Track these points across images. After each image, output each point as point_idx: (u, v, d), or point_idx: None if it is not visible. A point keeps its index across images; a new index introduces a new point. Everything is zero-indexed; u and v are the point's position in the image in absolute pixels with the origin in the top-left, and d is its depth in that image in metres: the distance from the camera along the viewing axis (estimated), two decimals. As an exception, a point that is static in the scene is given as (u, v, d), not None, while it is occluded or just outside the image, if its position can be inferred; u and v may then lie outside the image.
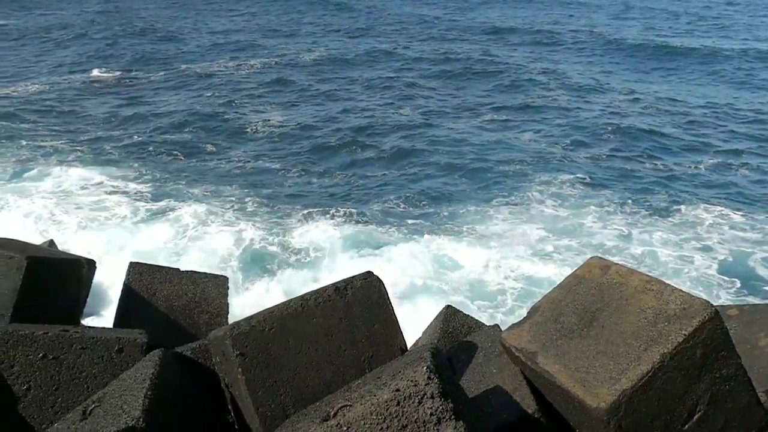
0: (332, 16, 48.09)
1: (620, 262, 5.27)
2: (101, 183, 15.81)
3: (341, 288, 5.18)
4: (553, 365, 4.43)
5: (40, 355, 5.26)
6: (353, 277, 5.33)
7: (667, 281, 4.76)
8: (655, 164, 17.75)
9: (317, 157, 18.13)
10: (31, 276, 6.16)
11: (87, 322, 7.54)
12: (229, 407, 5.23)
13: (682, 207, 14.85)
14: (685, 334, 4.14)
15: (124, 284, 7.45)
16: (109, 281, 8.40)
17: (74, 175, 16.38)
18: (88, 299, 7.71)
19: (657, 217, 14.34)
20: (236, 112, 22.52)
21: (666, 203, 15.10)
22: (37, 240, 9.16)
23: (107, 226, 12.56)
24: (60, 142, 19.11)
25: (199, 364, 5.55)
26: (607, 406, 4.01)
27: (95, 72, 28.18)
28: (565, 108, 23.49)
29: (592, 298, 4.76)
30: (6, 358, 5.17)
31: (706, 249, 12.83)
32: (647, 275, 4.82)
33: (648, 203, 15.02)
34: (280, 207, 13.70)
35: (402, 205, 14.77)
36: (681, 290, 4.53)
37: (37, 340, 5.29)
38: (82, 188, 15.34)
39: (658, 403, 4.11)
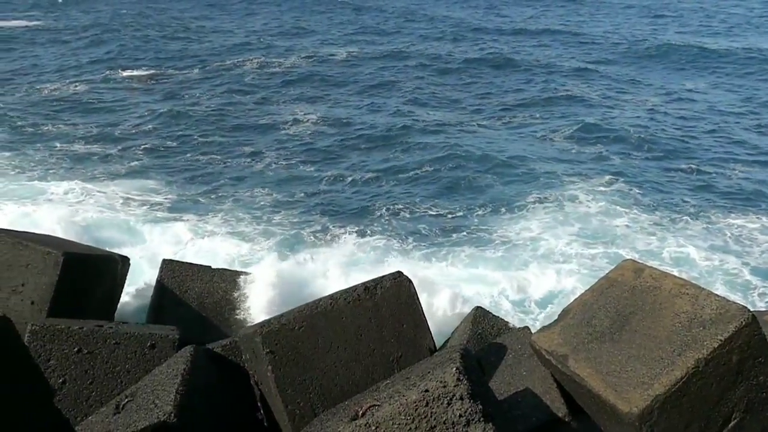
0: (361, 16, 48.22)
1: (653, 265, 5.19)
2: (134, 180, 16.04)
3: (371, 287, 5.18)
4: (584, 368, 4.38)
5: (76, 349, 5.38)
6: (383, 276, 5.33)
7: (701, 285, 4.68)
8: (690, 167, 17.41)
9: (349, 157, 18.16)
10: (68, 272, 6.27)
11: (120, 317, 7.66)
12: (259, 404, 5.27)
13: (716, 211, 14.54)
14: (720, 340, 4.06)
15: (157, 281, 7.56)
16: (143, 278, 8.52)
17: (108, 172, 16.66)
18: (122, 295, 7.85)
19: (690, 221, 14.05)
20: (268, 110, 22.71)
21: (699, 206, 14.80)
22: (71, 236, 9.33)
23: (141, 223, 12.72)
24: (94, 137, 19.47)
25: (230, 361, 5.61)
26: (639, 411, 3.95)
27: (128, 70, 28.67)
28: (598, 108, 23.21)
29: (624, 302, 4.70)
30: (43, 351, 5.29)
31: (741, 254, 12.54)
32: (682, 279, 4.74)
33: (681, 206, 14.75)
34: (310, 207, 13.77)
35: (433, 205, 14.71)
36: (717, 295, 4.44)
37: (73, 334, 5.41)
38: (115, 185, 15.59)
39: (692, 409, 4.03)
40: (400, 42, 37.19)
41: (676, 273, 5.90)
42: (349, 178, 16.06)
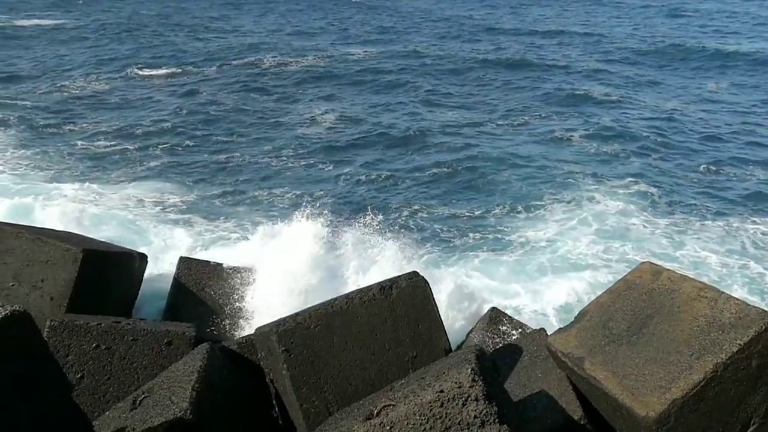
0: (378, 16, 48.23)
1: (670, 268, 5.14)
2: (152, 180, 16.13)
3: (386, 287, 5.19)
4: (601, 371, 4.35)
5: (94, 345, 5.44)
6: (399, 276, 5.33)
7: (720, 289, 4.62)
8: (709, 169, 17.21)
9: (365, 156, 18.16)
10: (87, 268, 6.34)
11: (137, 314, 7.72)
12: (274, 402, 5.29)
13: (735, 213, 14.36)
14: (740, 344, 4.01)
15: (174, 278, 7.62)
16: (160, 275, 8.58)
17: (126, 171, 16.79)
18: (139, 292, 7.91)
19: (708, 223, 13.88)
20: (286, 109, 22.78)
21: (718, 209, 14.62)
22: (91, 234, 9.41)
23: (161, 220, 12.80)
24: (113, 135, 19.65)
25: (245, 359, 5.64)
26: (656, 415, 3.92)
27: (148, 69, 28.90)
28: (616, 109, 23.04)
29: (642, 304, 4.66)
30: (62, 346, 5.35)
31: (760, 257, 12.39)
32: (700, 282, 4.69)
33: (699, 208, 14.58)
34: (326, 206, 13.78)
35: (450, 205, 14.67)
36: (736, 298, 4.39)
37: (91, 330, 5.47)
38: (133, 187, 15.69)
39: (710, 414, 3.99)
40: (416, 42, 37.16)
41: (693, 276, 5.84)
42: (366, 178, 16.07)
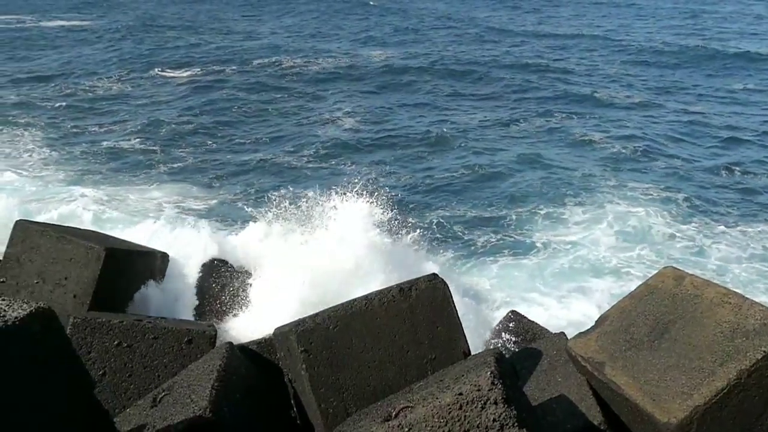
0: (398, 18, 48.25)
1: (693, 273, 5.08)
2: (175, 183, 16.25)
3: (405, 289, 5.18)
4: (622, 377, 4.30)
5: (116, 342, 5.49)
6: (418, 278, 5.32)
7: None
8: (732, 173, 16.98)
9: (386, 158, 18.16)
10: (109, 266, 6.41)
11: (158, 312, 7.79)
12: (292, 402, 5.31)
13: (759, 218, 14.16)
14: (765, 351, 3.95)
15: (198, 278, 7.68)
16: (182, 274, 8.64)
17: (147, 173, 16.93)
18: (161, 291, 7.98)
19: (732, 228, 13.70)
20: (307, 111, 22.87)
21: (741, 214, 14.42)
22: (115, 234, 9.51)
23: (184, 220, 12.89)
24: (138, 134, 19.87)
25: (264, 359, 5.67)
26: (678, 422, 3.87)
27: (169, 70, 29.21)
28: (638, 111, 22.83)
29: (664, 309, 4.60)
30: (84, 344, 5.41)
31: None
32: (724, 287, 4.63)
33: (722, 213, 14.39)
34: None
35: (469, 208, 14.63)
36: (761, 304, 4.33)
37: (113, 328, 5.53)
38: (156, 188, 15.82)
39: (733, 421, 3.93)
40: (437, 43, 37.15)
41: (717, 281, 5.76)
42: (386, 179, 16.08)
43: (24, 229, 6.53)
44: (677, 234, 13.33)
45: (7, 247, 6.52)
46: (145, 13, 50.56)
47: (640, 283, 5.21)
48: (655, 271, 5.24)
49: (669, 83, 27.67)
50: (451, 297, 5.31)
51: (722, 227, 13.68)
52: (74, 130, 20.81)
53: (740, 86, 27.06)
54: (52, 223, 7.91)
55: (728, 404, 3.91)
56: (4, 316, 3.27)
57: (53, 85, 26.83)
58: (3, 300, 3.47)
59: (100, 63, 31.27)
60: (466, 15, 50.03)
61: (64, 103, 23.78)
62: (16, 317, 3.30)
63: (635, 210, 14.29)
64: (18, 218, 6.98)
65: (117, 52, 33.90)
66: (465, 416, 3.42)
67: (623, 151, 18.52)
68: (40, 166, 17.17)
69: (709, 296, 4.47)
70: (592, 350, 4.64)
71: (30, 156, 17.95)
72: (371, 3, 57.57)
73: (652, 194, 15.31)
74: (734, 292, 4.52)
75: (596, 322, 4.99)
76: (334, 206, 9.01)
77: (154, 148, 18.91)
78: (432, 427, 3.43)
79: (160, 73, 29.05)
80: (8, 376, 3.25)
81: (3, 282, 6.40)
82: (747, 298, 4.40)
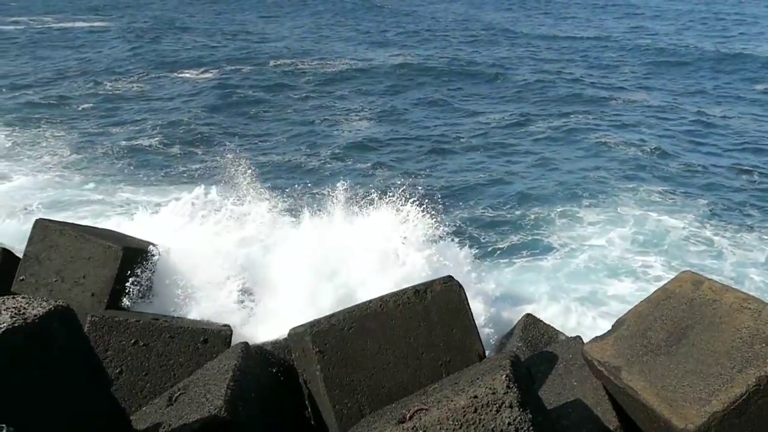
0: (413, 21, 48.24)
1: (711, 277, 5.02)
2: (198, 179, 16.24)
3: (421, 291, 5.18)
4: (638, 381, 4.27)
5: (132, 341, 5.55)
6: (433, 280, 5.32)
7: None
8: (751, 177, 16.78)
9: (402, 160, 18.16)
10: (127, 265, 6.47)
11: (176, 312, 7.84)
12: (306, 403, 5.32)
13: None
14: (784, 358, 3.90)
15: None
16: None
17: (173, 170, 17.04)
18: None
19: (750, 232, 13.53)
20: (323, 113, 22.93)
21: (761, 217, 14.25)
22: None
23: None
24: (158, 134, 20.02)
25: (279, 359, 5.69)
26: (696, 428, 3.83)
27: (188, 70, 29.45)
28: (656, 114, 22.64)
29: (682, 314, 4.56)
30: (101, 342, 5.47)
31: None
32: (743, 293, 4.57)
33: (741, 218, 14.21)
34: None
35: (485, 210, 14.58)
36: (781, 310, 4.27)
37: (130, 326, 5.58)
38: (179, 185, 15.88)
39: (752, 428, 3.88)
40: (452, 45, 37.10)
41: (734, 286, 5.69)
42: (402, 181, 16.06)
43: (43, 228, 6.61)
44: (694, 238, 13.19)
45: (27, 245, 6.61)
46: (163, 14, 51.00)
47: (657, 287, 5.16)
48: (673, 275, 5.19)
49: (688, 85, 27.42)
50: (466, 299, 5.30)
51: (740, 231, 13.52)
52: (94, 129, 21.02)
53: (761, 88, 26.74)
54: (70, 222, 7.98)
55: (747, 411, 3.86)
56: (24, 313, 3.32)
57: (75, 84, 27.14)
58: (23, 298, 3.52)
59: (120, 63, 31.57)
60: (481, 17, 49.92)
61: (85, 104, 24.02)
62: (35, 315, 3.34)
63: (652, 213, 14.16)
64: (38, 217, 7.06)
65: (136, 52, 34.19)
66: (480, 419, 3.40)
67: (640, 153, 18.36)
68: (61, 165, 17.35)
69: (728, 301, 4.42)
70: (609, 354, 4.61)
71: (50, 156, 18.14)
72: (387, 7, 57.60)
73: (669, 197, 15.16)
74: (753, 297, 4.47)
75: (613, 326, 4.96)
76: (352, 207, 9.01)
77: (175, 148, 19.02)
78: (446, 429, 3.42)
79: (178, 74, 29.28)
80: (27, 372, 3.30)
81: (23, 280, 6.49)
82: (766, 304, 4.34)
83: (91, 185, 15.81)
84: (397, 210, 8.74)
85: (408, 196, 9.25)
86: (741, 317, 4.25)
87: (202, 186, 10.05)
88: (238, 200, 9.88)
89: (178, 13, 51.51)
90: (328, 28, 45.08)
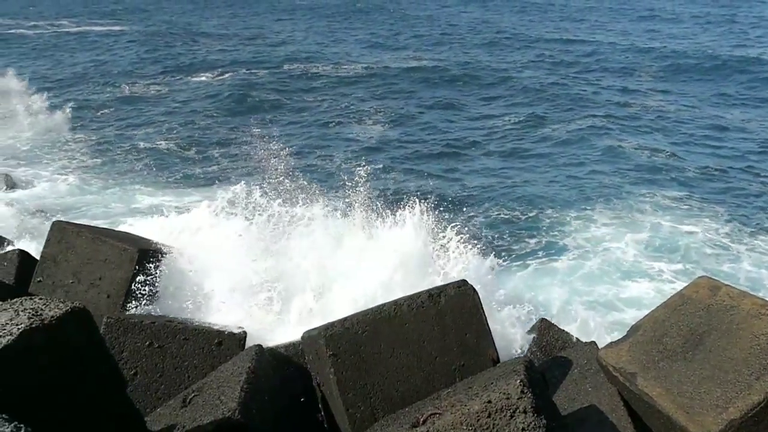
0: (427, 27, 48.27)
1: (728, 283, 4.97)
2: (216, 181, 16.32)
3: (435, 295, 5.17)
4: (654, 388, 4.23)
5: (147, 343, 5.57)
6: (447, 284, 5.31)
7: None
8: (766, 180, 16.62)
9: (415, 163, 18.16)
10: (142, 267, 6.51)
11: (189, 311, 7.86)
12: (320, 406, 5.33)
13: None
14: (803, 365, 3.85)
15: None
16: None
17: (191, 172, 17.13)
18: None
19: (766, 237, 13.39)
20: (338, 117, 23.00)
21: (777, 223, 14.09)
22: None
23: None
24: (174, 136, 20.18)
25: (293, 362, 5.69)
26: (712, 435, 3.79)
27: (203, 74, 29.68)
28: (671, 119, 22.48)
29: (699, 320, 4.51)
30: (117, 343, 5.50)
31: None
32: (761, 299, 4.52)
33: (757, 222, 14.06)
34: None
35: (499, 214, 14.53)
36: (799, 317, 4.22)
37: (145, 328, 5.61)
38: (196, 188, 15.98)
39: (770, 436, 3.84)
40: (466, 48, 37.08)
41: (751, 292, 5.62)
42: (415, 183, 16.07)
43: (60, 230, 6.67)
44: (710, 243, 13.07)
45: (44, 247, 6.68)
46: (178, 18, 51.45)
47: (673, 291, 5.11)
48: (689, 280, 5.14)
49: (704, 89, 27.20)
50: (481, 303, 5.28)
51: (757, 237, 13.37)
52: (112, 132, 21.24)
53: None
54: (87, 224, 8.05)
55: (764, 419, 3.81)
56: (41, 314, 3.35)
57: (93, 87, 27.47)
58: (40, 299, 3.56)
59: (137, 66, 31.91)
60: (495, 21, 49.85)
61: (103, 108, 24.29)
62: (52, 316, 3.37)
63: (668, 217, 14.05)
64: (55, 219, 7.13)
65: (152, 55, 34.53)
66: (494, 424, 3.39)
67: (656, 157, 18.22)
68: (79, 167, 17.53)
69: (746, 308, 4.37)
70: (624, 360, 4.57)
71: (69, 159, 18.33)
72: (400, 11, 57.65)
73: (685, 202, 15.03)
74: (772, 303, 4.42)
75: (628, 331, 4.92)
76: (369, 211, 9.01)
77: (191, 150, 19.15)
78: (460, 434, 3.40)
79: (195, 77, 29.51)
80: (44, 373, 3.32)
81: (40, 281, 6.55)
82: (785, 311, 4.29)
83: (110, 188, 15.96)
84: (413, 214, 8.72)
85: (422, 199, 9.23)
86: (759, 324, 4.21)
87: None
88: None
89: (192, 18, 51.93)
90: (342, 31, 45.22)
